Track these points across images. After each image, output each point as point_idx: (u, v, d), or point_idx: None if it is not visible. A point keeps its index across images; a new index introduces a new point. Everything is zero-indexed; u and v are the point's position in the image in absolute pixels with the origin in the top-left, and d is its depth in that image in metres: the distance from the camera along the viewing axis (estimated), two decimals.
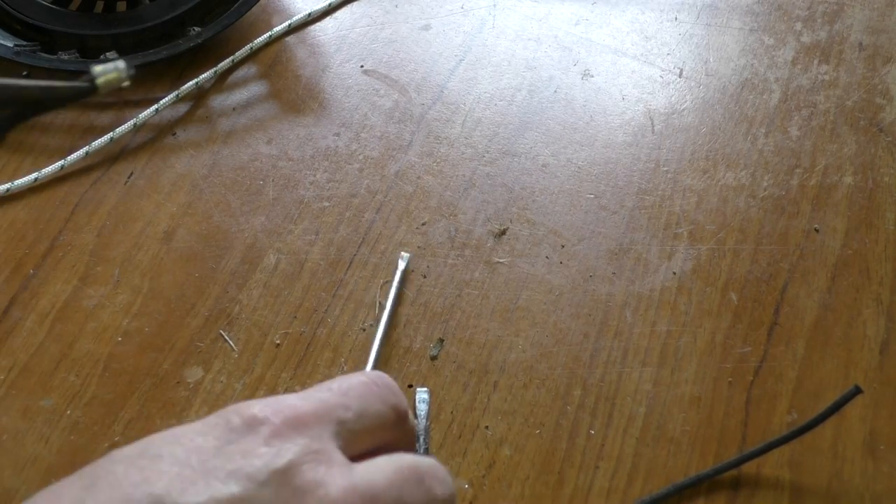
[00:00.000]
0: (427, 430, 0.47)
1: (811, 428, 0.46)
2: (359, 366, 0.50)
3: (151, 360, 0.50)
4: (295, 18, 0.65)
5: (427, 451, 0.46)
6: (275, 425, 0.29)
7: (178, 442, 0.28)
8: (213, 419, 0.29)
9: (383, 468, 0.30)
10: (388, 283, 0.53)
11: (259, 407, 0.29)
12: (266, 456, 0.28)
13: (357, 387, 0.32)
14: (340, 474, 0.28)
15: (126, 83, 0.29)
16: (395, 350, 0.51)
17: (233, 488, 0.27)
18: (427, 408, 0.47)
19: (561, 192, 0.57)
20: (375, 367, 0.50)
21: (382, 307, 0.52)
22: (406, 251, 0.54)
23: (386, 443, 0.32)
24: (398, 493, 0.29)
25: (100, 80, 0.29)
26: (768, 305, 0.52)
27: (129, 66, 0.29)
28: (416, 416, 0.47)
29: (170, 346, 0.51)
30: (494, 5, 0.67)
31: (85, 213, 0.56)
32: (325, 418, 0.30)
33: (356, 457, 0.30)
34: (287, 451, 0.28)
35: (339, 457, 0.29)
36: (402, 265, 0.53)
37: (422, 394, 0.48)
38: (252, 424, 0.29)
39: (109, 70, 0.29)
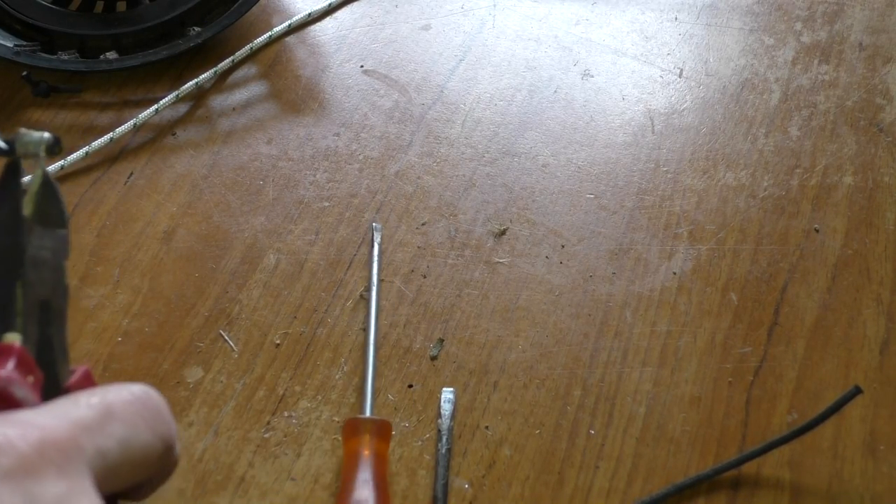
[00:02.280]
0: (450, 430, 0.48)
1: (811, 428, 0.46)
2: (359, 365, 0.50)
3: (151, 360, 0.50)
4: (295, 18, 0.65)
5: (449, 451, 0.47)
6: (19, 454, 0.21)
7: None
8: None
9: None
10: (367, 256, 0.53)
11: None
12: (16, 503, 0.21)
13: (123, 407, 0.25)
14: None
15: (42, 154, 0.26)
16: (395, 350, 0.51)
17: None
18: (452, 408, 0.48)
19: (561, 192, 0.57)
20: (375, 337, 0.50)
21: (369, 282, 0.52)
22: (377, 223, 0.55)
23: (142, 481, 0.26)
24: None
25: (18, 149, 0.27)
26: (768, 305, 0.52)
27: (53, 140, 0.27)
28: (440, 415, 0.47)
29: (170, 346, 0.51)
30: (494, 5, 0.67)
31: (85, 213, 0.56)
32: (82, 446, 0.23)
33: (106, 497, 0.24)
34: (46, 492, 0.21)
35: (94, 493, 0.23)
36: (377, 237, 0.54)
37: (447, 394, 0.49)
38: None
39: (34, 139, 0.27)
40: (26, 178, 0.27)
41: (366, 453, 0.44)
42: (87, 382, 0.27)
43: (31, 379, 0.25)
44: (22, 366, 0.24)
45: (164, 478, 0.27)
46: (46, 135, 0.27)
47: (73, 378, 0.27)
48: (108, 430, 0.24)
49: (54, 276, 0.27)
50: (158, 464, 0.26)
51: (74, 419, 0.23)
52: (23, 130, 0.27)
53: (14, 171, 0.27)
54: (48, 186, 0.27)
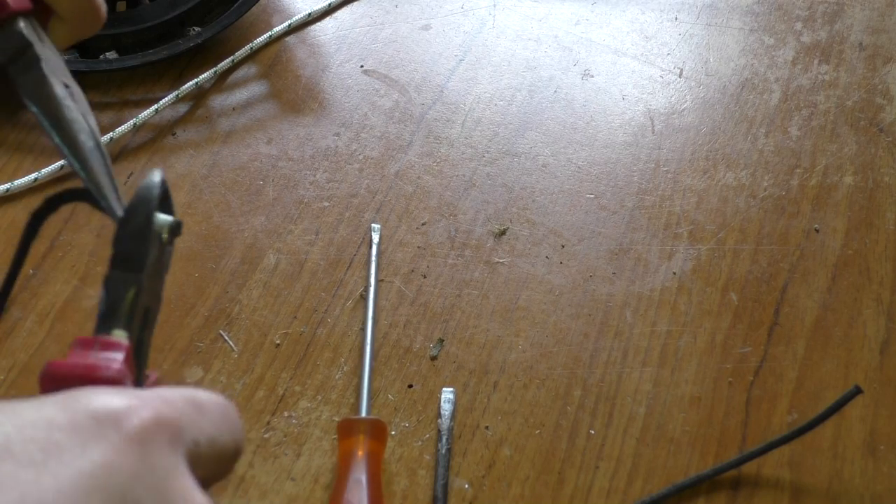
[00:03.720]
0: (450, 430, 0.48)
1: (811, 428, 0.46)
2: (359, 365, 0.50)
3: (151, 359, 0.50)
4: (295, 18, 0.65)
5: (449, 451, 0.47)
6: (142, 421, 0.23)
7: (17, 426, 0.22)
8: (62, 399, 0.23)
9: None
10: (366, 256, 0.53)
11: (119, 398, 0.24)
12: (140, 467, 0.23)
13: (214, 408, 0.26)
14: (204, 497, 0.24)
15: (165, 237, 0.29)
16: (394, 350, 0.51)
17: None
18: (452, 408, 0.48)
19: (561, 192, 0.57)
20: (373, 337, 0.50)
21: (368, 283, 0.52)
22: (376, 223, 0.55)
23: (212, 479, 0.27)
24: None
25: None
26: (768, 305, 0.52)
27: (175, 225, 0.29)
28: (440, 415, 0.47)
29: (170, 346, 0.51)
30: (494, 5, 0.67)
31: (85, 213, 0.56)
32: (183, 430, 0.24)
33: None
34: (161, 463, 0.23)
35: (192, 477, 0.25)
36: (375, 238, 0.54)
37: (447, 394, 0.49)
38: (113, 416, 0.23)
39: (160, 221, 0.29)
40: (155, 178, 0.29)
41: (359, 454, 0.44)
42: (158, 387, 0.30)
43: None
44: (128, 362, 0.26)
45: (222, 479, 0.29)
46: (170, 219, 0.29)
47: (149, 382, 0.29)
48: (200, 424, 0.25)
49: (158, 287, 0.30)
50: (230, 466, 0.28)
51: (178, 407, 0.25)
52: (157, 177, 0.29)
53: (150, 185, 0.29)
54: (169, 200, 0.30)
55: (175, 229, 0.29)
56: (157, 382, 0.30)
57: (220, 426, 0.26)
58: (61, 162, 0.57)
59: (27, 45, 0.34)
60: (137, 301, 0.27)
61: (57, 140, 0.33)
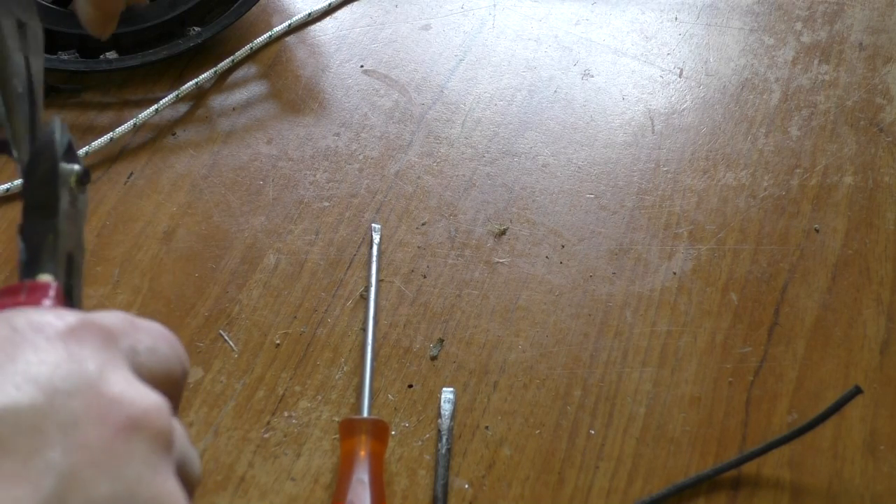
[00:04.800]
0: (450, 430, 0.48)
1: (811, 428, 0.46)
2: (359, 365, 0.50)
3: None
4: (295, 18, 0.65)
5: (449, 451, 0.47)
6: (67, 323, 0.24)
7: None
8: None
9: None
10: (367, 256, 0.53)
11: (42, 312, 0.24)
12: (66, 360, 0.23)
13: (150, 325, 0.27)
14: (148, 391, 0.24)
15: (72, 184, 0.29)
16: (395, 350, 0.51)
17: (34, 396, 0.22)
18: (452, 408, 0.48)
19: (561, 192, 0.57)
20: (373, 337, 0.50)
21: (368, 283, 0.52)
22: (376, 223, 0.55)
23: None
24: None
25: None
26: (768, 305, 0.52)
27: (83, 173, 0.29)
28: (440, 415, 0.47)
29: None
30: (494, 5, 0.67)
31: None
32: (118, 338, 0.25)
33: None
34: (93, 358, 0.23)
35: (134, 375, 0.25)
36: (376, 238, 0.54)
37: (447, 394, 0.49)
38: (36, 325, 0.23)
39: (65, 171, 0.29)
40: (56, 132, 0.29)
41: (361, 454, 0.44)
42: None
43: None
44: (59, 301, 0.26)
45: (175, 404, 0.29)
46: (77, 167, 0.29)
47: None
48: (137, 335, 0.26)
49: (77, 233, 0.29)
50: (178, 387, 0.27)
51: (110, 318, 0.25)
52: (57, 123, 0.29)
53: (51, 131, 0.29)
54: (73, 150, 0.30)
55: (83, 177, 0.29)
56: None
57: (157, 340, 0.26)
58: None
59: None
60: (57, 245, 0.27)
61: None
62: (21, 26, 0.31)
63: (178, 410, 0.28)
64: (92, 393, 0.22)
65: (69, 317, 0.24)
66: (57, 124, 0.29)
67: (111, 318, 0.25)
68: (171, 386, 0.26)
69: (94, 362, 0.23)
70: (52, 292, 0.26)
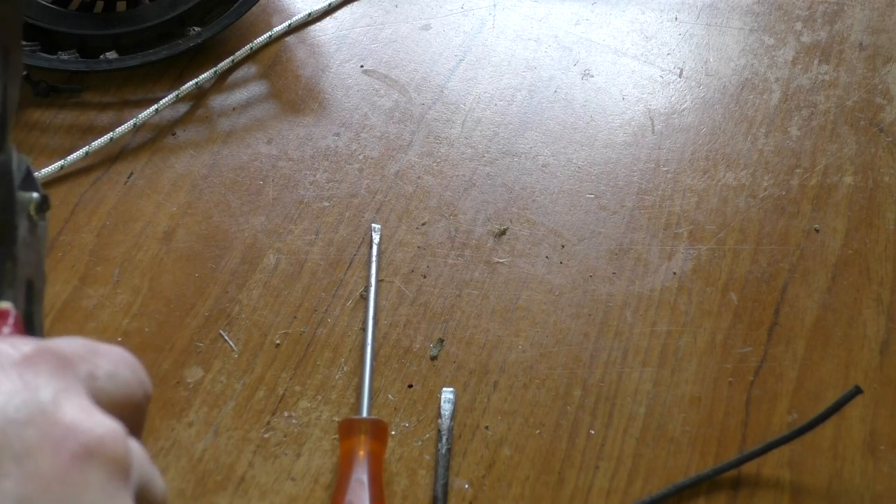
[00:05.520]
0: (450, 430, 0.48)
1: (811, 428, 0.46)
2: (359, 365, 0.50)
3: (151, 360, 0.50)
4: (295, 18, 0.65)
5: (449, 451, 0.47)
6: (22, 353, 0.23)
7: None
8: None
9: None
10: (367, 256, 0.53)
11: None
12: (20, 390, 0.23)
13: (107, 350, 0.26)
14: (104, 418, 0.24)
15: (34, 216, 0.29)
16: (395, 350, 0.51)
17: None
18: (452, 408, 0.48)
19: (561, 192, 0.57)
20: (373, 337, 0.50)
21: (368, 283, 0.52)
22: (376, 223, 0.55)
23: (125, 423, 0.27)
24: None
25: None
26: (768, 305, 0.52)
27: (41, 201, 0.29)
28: (440, 415, 0.47)
29: (170, 346, 0.51)
30: (494, 5, 0.67)
31: (85, 213, 0.56)
32: (76, 365, 0.24)
33: None
34: (47, 386, 0.23)
35: (91, 402, 0.24)
36: (375, 238, 0.54)
37: (447, 394, 0.49)
38: None
39: (23, 199, 0.29)
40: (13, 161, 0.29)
41: (361, 453, 0.44)
42: None
43: None
44: (18, 328, 0.26)
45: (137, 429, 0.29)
46: (35, 195, 0.29)
47: None
48: (95, 360, 0.25)
49: (37, 260, 0.29)
50: (140, 412, 0.27)
51: (67, 344, 0.25)
52: (13, 149, 0.29)
53: (7, 158, 0.28)
54: (32, 177, 0.30)
55: (41, 205, 0.29)
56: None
57: (118, 364, 0.26)
58: (61, 162, 0.57)
59: None
60: (16, 272, 0.27)
61: None
62: (5, 53, 0.31)
63: (141, 433, 0.28)
64: (46, 421, 0.22)
65: (24, 346, 0.24)
66: (13, 152, 0.29)
67: (69, 344, 0.25)
68: (131, 410, 0.26)
69: (49, 390, 0.23)
70: (10, 320, 0.25)
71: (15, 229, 0.28)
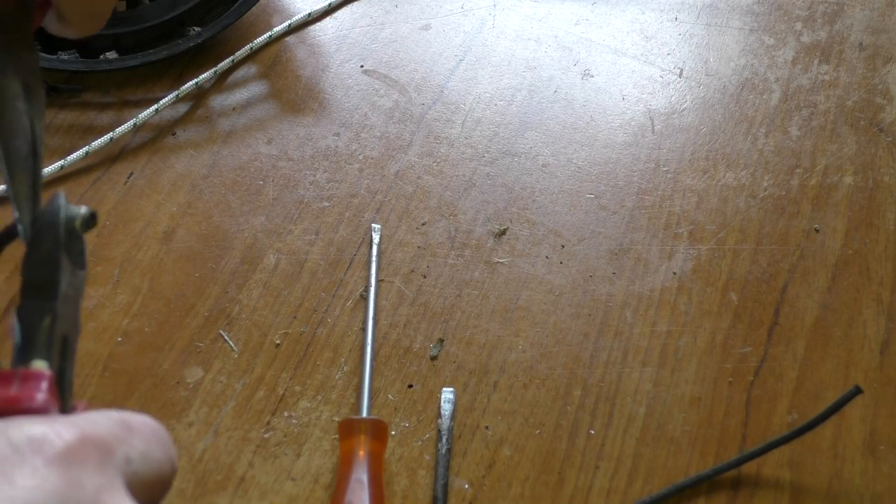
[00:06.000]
0: (450, 430, 0.48)
1: (811, 428, 0.46)
2: (359, 365, 0.50)
3: (151, 360, 0.50)
4: (295, 18, 0.65)
5: (449, 451, 0.47)
6: (66, 443, 0.23)
7: None
8: None
9: None
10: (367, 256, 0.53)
11: (39, 425, 0.23)
12: (64, 488, 0.22)
13: (140, 426, 0.26)
14: None
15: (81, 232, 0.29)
16: (395, 350, 0.51)
17: None
18: (452, 408, 0.48)
19: (561, 192, 0.57)
20: (373, 337, 0.50)
21: (368, 283, 0.52)
22: (376, 223, 0.55)
23: (151, 501, 0.27)
24: None
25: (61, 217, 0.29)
26: (768, 305, 0.52)
27: (89, 216, 0.29)
28: (440, 415, 0.47)
29: (170, 346, 0.51)
30: (494, 5, 0.67)
31: None
32: (114, 449, 0.24)
33: None
34: (89, 483, 0.23)
35: (127, 494, 0.24)
36: (376, 238, 0.54)
37: (447, 394, 0.49)
38: (34, 442, 0.23)
39: (72, 213, 0.28)
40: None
41: (360, 454, 0.44)
42: None
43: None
44: (52, 392, 0.25)
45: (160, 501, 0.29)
46: (84, 210, 0.28)
47: (77, 413, 0.28)
48: (131, 441, 0.25)
49: (74, 314, 0.29)
50: (167, 486, 0.27)
51: (106, 426, 0.25)
52: (62, 200, 0.29)
53: (55, 209, 0.28)
54: (77, 232, 0.29)
55: (89, 220, 0.28)
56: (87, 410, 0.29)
57: (150, 442, 0.26)
58: (61, 162, 0.57)
59: None
60: (54, 329, 0.27)
61: None
62: (27, 87, 0.31)
63: (169, 487, 0.28)
64: None
65: (67, 433, 0.23)
66: (62, 199, 0.28)
67: (106, 425, 0.25)
68: (160, 487, 0.26)
69: (91, 487, 0.23)
70: (44, 384, 0.25)
71: (57, 284, 0.27)
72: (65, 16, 0.35)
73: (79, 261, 0.29)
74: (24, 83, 0.32)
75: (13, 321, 0.27)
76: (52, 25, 0.36)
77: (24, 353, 0.26)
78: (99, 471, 0.23)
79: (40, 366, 0.26)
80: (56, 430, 0.23)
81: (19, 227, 0.30)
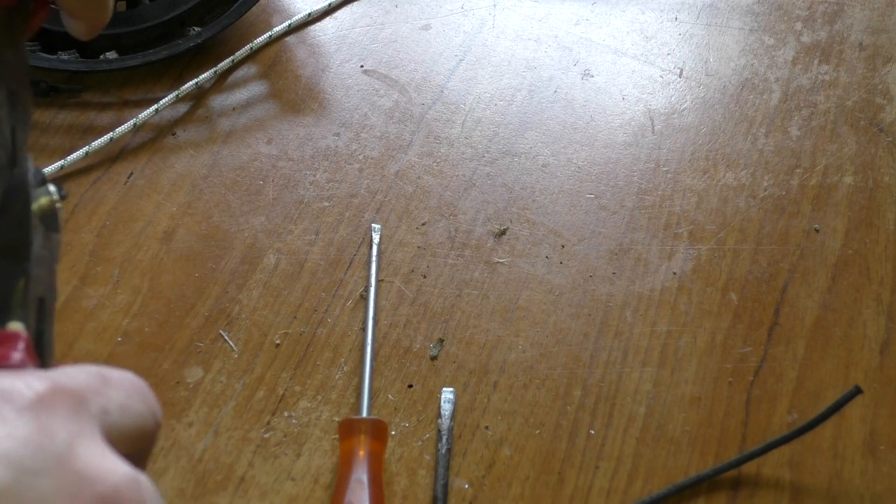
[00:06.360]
0: (450, 430, 0.48)
1: (811, 428, 0.46)
2: (359, 365, 0.50)
3: (151, 360, 0.50)
4: (295, 18, 0.65)
5: (449, 451, 0.47)
6: (36, 392, 0.23)
7: None
8: None
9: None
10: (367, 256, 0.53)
11: (10, 378, 0.23)
12: (35, 435, 0.22)
13: (118, 379, 0.26)
14: (119, 464, 0.23)
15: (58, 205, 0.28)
16: (395, 350, 0.51)
17: (2, 476, 0.21)
18: (452, 408, 0.48)
19: (561, 192, 0.57)
20: (373, 337, 0.50)
21: (368, 283, 0.52)
22: (376, 223, 0.55)
23: (134, 454, 0.27)
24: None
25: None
26: (768, 305, 0.52)
27: (59, 190, 0.28)
28: (440, 415, 0.47)
29: (170, 346, 0.51)
30: (494, 5, 0.67)
31: (85, 213, 0.56)
32: (89, 402, 0.24)
33: None
34: (62, 430, 0.22)
35: (105, 443, 0.24)
36: (376, 238, 0.54)
37: (447, 394, 0.49)
38: (3, 393, 0.23)
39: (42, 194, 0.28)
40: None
41: (360, 454, 0.44)
42: None
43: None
44: (29, 352, 0.25)
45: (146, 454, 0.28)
46: (52, 186, 0.28)
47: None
48: (108, 393, 0.25)
49: (49, 276, 0.28)
50: (150, 440, 0.27)
51: (81, 378, 0.24)
52: (29, 163, 0.28)
53: (23, 171, 0.28)
54: (50, 191, 0.29)
55: (60, 192, 0.28)
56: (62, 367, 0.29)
57: (130, 395, 0.25)
58: (61, 162, 0.57)
59: None
60: (28, 291, 0.26)
61: None
62: (12, 95, 0.31)
63: (147, 462, 0.27)
64: (61, 470, 0.22)
65: (38, 383, 0.23)
66: (29, 163, 0.28)
67: (81, 377, 0.24)
68: (143, 441, 0.26)
69: (64, 435, 0.22)
70: (21, 344, 0.25)
71: (29, 245, 0.27)
72: (70, 8, 0.35)
73: (52, 224, 0.28)
74: (9, 90, 0.31)
75: None
76: (66, 23, 0.36)
77: (0, 314, 0.26)
78: (72, 419, 0.23)
79: (17, 326, 0.26)
80: (27, 382, 0.23)
81: None
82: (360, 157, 0.59)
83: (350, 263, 0.54)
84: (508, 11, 0.67)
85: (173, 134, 0.60)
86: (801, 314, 0.52)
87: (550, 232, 0.56)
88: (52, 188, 0.28)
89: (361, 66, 0.64)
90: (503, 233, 0.55)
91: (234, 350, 0.51)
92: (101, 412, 0.24)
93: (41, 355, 0.27)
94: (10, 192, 0.27)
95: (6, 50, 0.32)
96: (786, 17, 0.67)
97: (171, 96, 0.60)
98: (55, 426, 0.22)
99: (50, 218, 0.28)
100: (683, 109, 0.61)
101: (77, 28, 0.37)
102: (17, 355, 0.24)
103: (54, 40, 0.62)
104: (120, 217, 0.56)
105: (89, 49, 0.62)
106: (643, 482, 0.47)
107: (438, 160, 0.59)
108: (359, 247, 0.55)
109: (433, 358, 0.51)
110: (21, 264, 0.27)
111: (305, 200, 0.57)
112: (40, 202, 0.28)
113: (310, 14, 0.66)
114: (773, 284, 0.53)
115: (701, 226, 0.56)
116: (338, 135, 0.60)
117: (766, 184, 0.58)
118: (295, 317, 0.52)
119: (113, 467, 0.23)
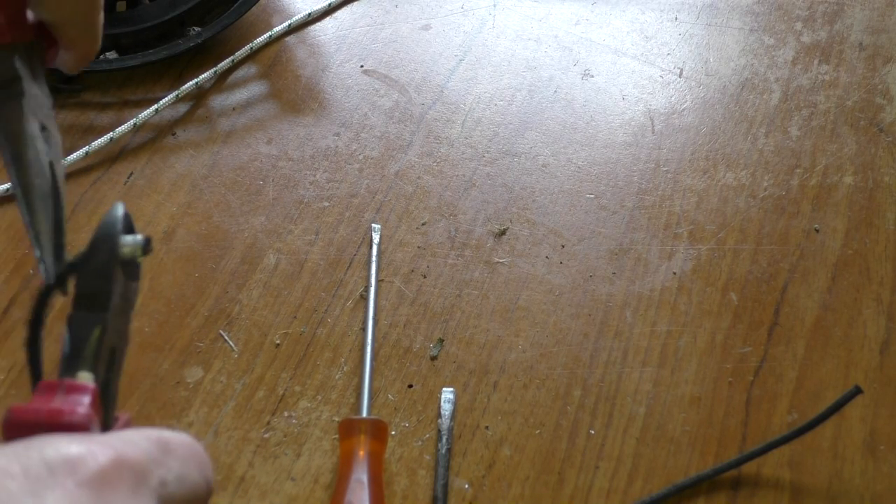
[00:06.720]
0: (450, 430, 0.48)
1: (811, 428, 0.46)
2: (359, 365, 0.50)
3: (151, 360, 0.50)
4: (295, 18, 0.65)
5: (449, 451, 0.47)
6: (100, 466, 0.23)
7: None
8: (17, 449, 0.23)
9: None
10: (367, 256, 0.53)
11: (76, 445, 0.23)
12: None
13: (178, 446, 0.26)
14: None
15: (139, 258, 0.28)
16: (395, 350, 0.51)
17: None
18: (452, 408, 0.48)
19: (561, 192, 0.57)
20: (373, 337, 0.50)
21: (368, 283, 0.52)
22: (376, 223, 0.55)
23: None
24: None
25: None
26: (768, 305, 0.52)
27: (145, 243, 0.28)
28: (440, 415, 0.47)
29: (170, 346, 0.51)
30: (494, 5, 0.67)
31: (85, 214, 0.56)
32: (149, 472, 0.24)
33: None
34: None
35: None
36: (376, 238, 0.54)
37: (447, 394, 0.49)
38: (68, 463, 0.22)
39: (128, 242, 0.28)
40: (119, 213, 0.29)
41: (360, 454, 0.44)
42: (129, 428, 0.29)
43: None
44: (94, 405, 0.25)
45: None
46: (140, 238, 0.28)
47: (118, 424, 0.28)
48: (167, 463, 0.25)
49: (124, 325, 0.29)
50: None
51: (143, 448, 0.24)
52: (120, 211, 0.29)
53: (113, 220, 0.28)
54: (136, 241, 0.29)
55: (146, 246, 0.28)
56: (128, 424, 0.28)
57: (187, 464, 0.26)
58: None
59: (16, 78, 0.33)
60: (103, 341, 0.26)
61: (13, 179, 0.32)
62: (43, 129, 0.32)
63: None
64: None
65: (102, 454, 0.23)
66: (120, 210, 0.28)
67: (144, 445, 0.25)
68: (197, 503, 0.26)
69: None
70: (87, 398, 0.25)
71: (110, 296, 0.27)
72: (66, 37, 0.36)
73: (133, 273, 0.28)
74: (42, 124, 0.32)
75: (64, 330, 0.26)
76: (61, 62, 0.37)
77: (71, 363, 0.26)
78: (131, 495, 0.23)
79: (86, 378, 0.26)
80: (91, 451, 0.23)
81: (41, 267, 0.30)
82: (360, 157, 0.59)
83: (350, 263, 0.54)
84: (508, 11, 0.67)
85: (173, 134, 0.60)
86: (801, 314, 0.52)
87: (550, 232, 0.56)
88: (139, 238, 0.28)
89: (361, 66, 0.64)
90: (503, 233, 0.55)
91: (234, 350, 0.51)
92: (160, 485, 0.24)
93: (105, 405, 0.27)
94: (97, 241, 0.28)
95: (31, 85, 0.33)
96: (786, 17, 0.67)
97: (171, 96, 0.60)
98: (114, 502, 0.22)
99: (131, 266, 0.28)
100: (683, 109, 0.62)
101: (66, 60, 0.37)
102: (82, 410, 0.25)
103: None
104: None
105: None
106: (643, 482, 0.47)
107: (438, 160, 0.59)
108: (359, 247, 0.55)
109: (433, 358, 0.51)
110: (99, 314, 0.27)
111: (305, 200, 0.57)
112: (124, 252, 0.28)
113: (310, 14, 0.66)
114: (773, 284, 0.53)
115: (701, 226, 0.56)
116: (338, 135, 0.60)
117: (766, 184, 0.58)
118: (295, 317, 0.52)
119: None
